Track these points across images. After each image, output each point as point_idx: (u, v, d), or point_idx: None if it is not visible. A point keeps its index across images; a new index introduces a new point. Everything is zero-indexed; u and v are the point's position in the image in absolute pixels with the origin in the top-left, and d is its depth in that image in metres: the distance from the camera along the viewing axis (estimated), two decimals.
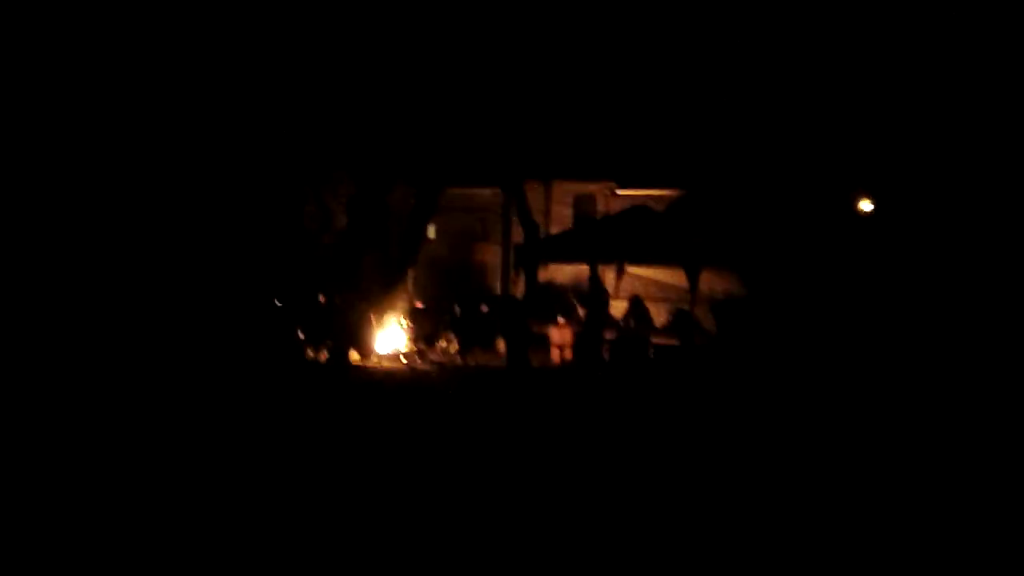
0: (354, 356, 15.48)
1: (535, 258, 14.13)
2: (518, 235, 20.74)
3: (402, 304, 17.68)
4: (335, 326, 13.09)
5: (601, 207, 20.75)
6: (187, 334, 12.47)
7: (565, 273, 19.25)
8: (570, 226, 19.80)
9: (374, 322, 15.93)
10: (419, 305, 17.87)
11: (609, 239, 15.09)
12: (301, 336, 14.26)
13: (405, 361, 15.74)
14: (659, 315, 16.53)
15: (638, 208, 15.73)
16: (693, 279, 13.65)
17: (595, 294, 14.76)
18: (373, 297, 14.02)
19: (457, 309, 16.17)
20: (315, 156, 14.84)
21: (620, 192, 20.43)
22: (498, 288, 21.54)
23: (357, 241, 13.14)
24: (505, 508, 6.79)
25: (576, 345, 15.76)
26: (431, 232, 23.48)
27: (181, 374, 11.99)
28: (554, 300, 18.72)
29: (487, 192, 21.81)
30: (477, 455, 8.77)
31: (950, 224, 16.31)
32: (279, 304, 13.64)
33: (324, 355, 14.30)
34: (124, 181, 12.62)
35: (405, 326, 16.58)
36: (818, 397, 11.82)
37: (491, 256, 22.33)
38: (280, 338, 13.10)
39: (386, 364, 15.59)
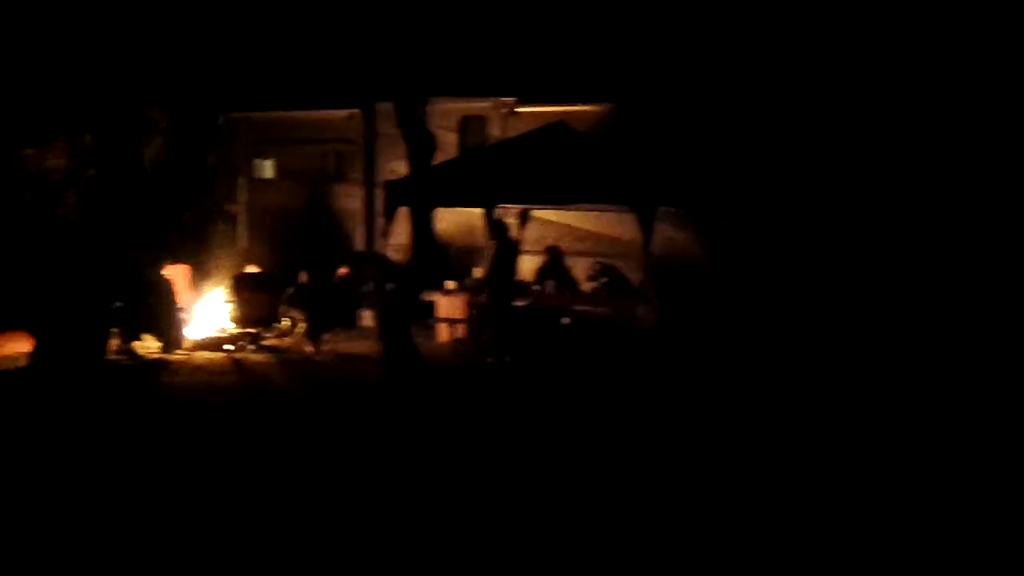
0: (149, 345, 12.17)
1: (432, 193, 11.18)
2: (384, 170, 18.00)
3: (226, 269, 14.52)
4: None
5: (496, 131, 17.89)
6: None
7: (445, 222, 16.32)
8: (455, 157, 16.78)
9: (178, 295, 12.66)
10: (252, 270, 14.59)
11: (514, 171, 12.22)
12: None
13: (231, 350, 12.51)
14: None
15: (554, 127, 12.86)
16: (647, 224, 10.94)
17: (500, 247, 11.87)
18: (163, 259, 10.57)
19: (304, 275, 13.01)
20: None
21: (521, 110, 17.52)
22: (360, 242, 18.47)
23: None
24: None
25: (473, 319, 13.32)
26: (268, 170, 20.31)
27: None
28: (437, 259, 15.87)
29: (341, 115, 18.66)
30: (335, 493, 6.31)
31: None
32: None
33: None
34: None
35: (230, 300, 13.35)
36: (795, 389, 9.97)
37: (349, 200, 19.30)
38: None
39: (202, 356, 12.31)
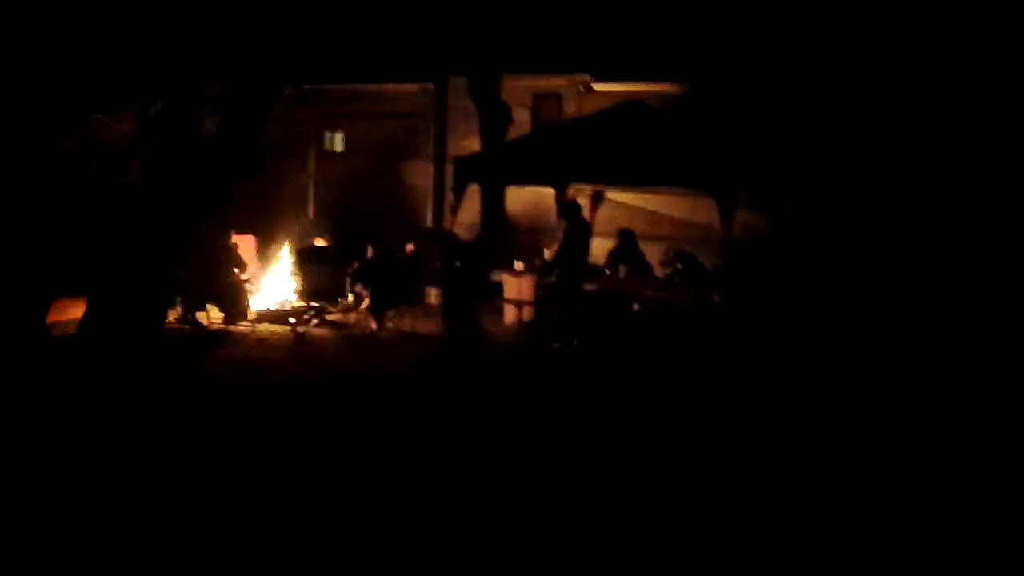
0: (212, 316, 12.11)
1: (504, 170, 10.88)
2: (454, 146, 17.73)
3: (293, 241, 14.40)
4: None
5: (571, 110, 17.42)
6: None
7: (515, 200, 15.99)
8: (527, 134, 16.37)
9: (243, 266, 12.57)
10: (319, 243, 14.40)
11: (588, 150, 11.91)
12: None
13: (295, 324, 12.36)
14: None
15: (631, 106, 12.50)
16: (728, 209, 10.50)
17: (571, 228, 11.53)
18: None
19: (371, 249, 12.76)
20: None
21: (598, 88, 17.04)
22: (428, 218, 18.20)
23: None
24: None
25: (541, 301, 12.85)
26: (338, 143, 20.15)
27: None
28: (506, 238, 15.57)
29: (413, 89, 18.53)
30: (395, 478, 6.12)
31: None
32: None
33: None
34: None
35: (295, 273, 13.20)
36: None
37: (418, 175, 19.06)
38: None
39: (265, 328, 12.20)
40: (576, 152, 12.24)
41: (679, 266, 12.91)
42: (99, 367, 8.41)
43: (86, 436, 6.91)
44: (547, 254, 13.18)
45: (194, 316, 12.20)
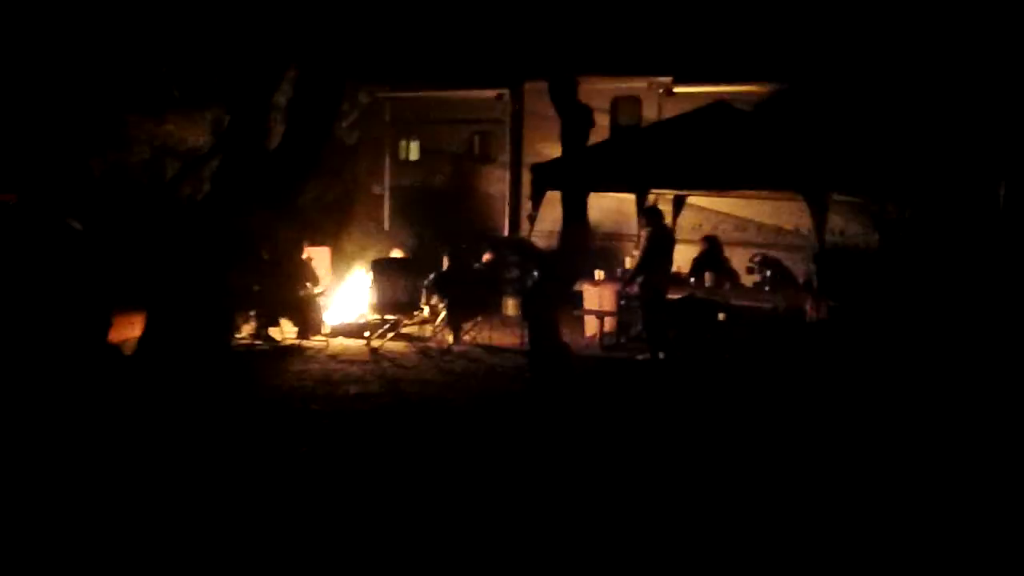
0: (286, 330, 11.92)
1: (582, 175, 10.57)
2: (530, 152, 17.36)
3: (369, 252, 14.18)
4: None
5: (651, 112, 16.85)
6: None
7: (594, 207, 15.50)
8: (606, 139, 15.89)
9: (318, 278, 12.36)
10: (396, 254, 14.12)
11: (671, 154, 11.43)
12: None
13: (370, 337, 12.10)
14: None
15: (715, 107, 11.95)
16: (820, 212, 9.93)
17: (653, 235, 11.11)
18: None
19: (446, 260, 12.41)
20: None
21: (679, 90, 16.46)
22: (505, 227, 17.87)
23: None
24: None
25: (624, 312, 12.54)
26: (413, 151, 19.93)
27: None
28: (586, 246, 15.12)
29: (489, 95, 18.36)
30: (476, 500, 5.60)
31: None
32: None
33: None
34: None
35: (370, 285, 12.94)
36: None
37: (495, 183, 18.73)
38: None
39: (339, 342, 12.01)
40: (657, 156, 11.77)
41: (768, 273, 12.37)
42: (162, 383, 8.21)
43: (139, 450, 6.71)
44: (628, 262, 12.76)
45: (267, 331, 12.02)
